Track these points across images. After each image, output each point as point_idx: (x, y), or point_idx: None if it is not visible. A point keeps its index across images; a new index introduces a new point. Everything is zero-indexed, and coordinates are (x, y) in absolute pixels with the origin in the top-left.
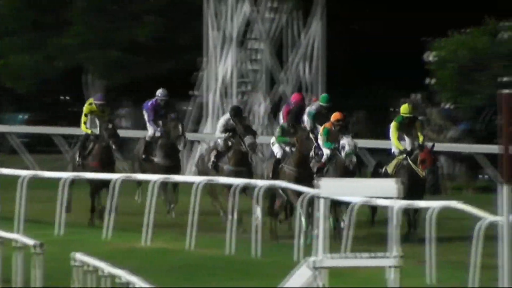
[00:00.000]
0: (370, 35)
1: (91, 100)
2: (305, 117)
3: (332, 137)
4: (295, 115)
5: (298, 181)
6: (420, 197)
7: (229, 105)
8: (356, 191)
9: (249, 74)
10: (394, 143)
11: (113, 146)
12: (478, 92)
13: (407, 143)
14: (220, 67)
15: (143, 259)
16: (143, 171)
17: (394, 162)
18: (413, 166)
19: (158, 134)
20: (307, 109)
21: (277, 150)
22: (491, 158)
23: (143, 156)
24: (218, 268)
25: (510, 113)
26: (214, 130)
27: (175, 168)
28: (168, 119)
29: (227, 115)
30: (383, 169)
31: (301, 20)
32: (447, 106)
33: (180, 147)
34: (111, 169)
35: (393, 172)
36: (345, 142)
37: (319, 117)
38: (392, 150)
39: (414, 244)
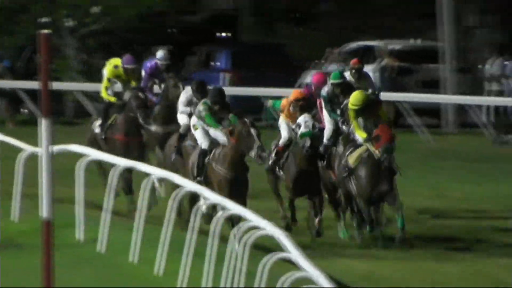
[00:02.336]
0: None
1: (116, 61)
2: (322, 103)
3: (289, 117)
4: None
5: (231, 186)
6: (388, 193)
7: None
8: None
9: None
10: (356, 132)
11: (140, 119)
12: (19, 32)
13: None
14: None
15: None
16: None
17: (356, 153)
18: (374, 152)
19: (154, 100)
20: (321, 93)
21: (201, 138)
22: (31, 94)
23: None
24: None
25: (48, 52)
26: None
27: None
28: (167, 80)
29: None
30: (344, 160)
31: None
32: None
33: None
34: (139, 143)
35: (354, 164)
36: (301, 121)
37: (334, 98)
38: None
39: None
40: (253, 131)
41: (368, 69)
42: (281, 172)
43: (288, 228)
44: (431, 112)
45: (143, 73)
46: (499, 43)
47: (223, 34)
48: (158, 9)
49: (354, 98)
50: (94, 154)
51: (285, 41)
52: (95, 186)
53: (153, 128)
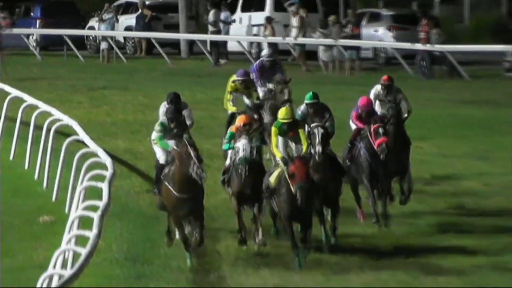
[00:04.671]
0: None
1: (234, 77)
2: None
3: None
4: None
5: (180, 204)
6: (306, 220)
7: None
8: None
9: None
10: (273, 150)
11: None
12: None
13: (293, 150)
14: None
15: None
16: None
17: (276, 172)
18: (289, 179)
19: (266, 96)
20: (297, 111)
21: (160, 153)
22: None
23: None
24: None
25: None
26: None
27: None
28: (275, 81)
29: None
30: (267, 180)
31: None
32: None
33: None
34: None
35: (275, 184)
36: (240, 145)
37: (308, 117)
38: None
39: None
40: (192, 152)
41: (131, 16)
42: (228, 188)
43: (242, 240)
44: (172, 44)
45: (253, 75)
46: None
47: None
48: None
49: (283, 113)
50: None
51: None
52: None
53: (264, 120)
